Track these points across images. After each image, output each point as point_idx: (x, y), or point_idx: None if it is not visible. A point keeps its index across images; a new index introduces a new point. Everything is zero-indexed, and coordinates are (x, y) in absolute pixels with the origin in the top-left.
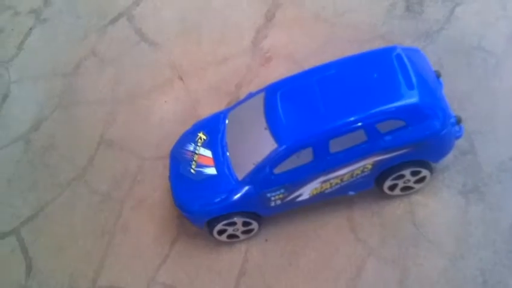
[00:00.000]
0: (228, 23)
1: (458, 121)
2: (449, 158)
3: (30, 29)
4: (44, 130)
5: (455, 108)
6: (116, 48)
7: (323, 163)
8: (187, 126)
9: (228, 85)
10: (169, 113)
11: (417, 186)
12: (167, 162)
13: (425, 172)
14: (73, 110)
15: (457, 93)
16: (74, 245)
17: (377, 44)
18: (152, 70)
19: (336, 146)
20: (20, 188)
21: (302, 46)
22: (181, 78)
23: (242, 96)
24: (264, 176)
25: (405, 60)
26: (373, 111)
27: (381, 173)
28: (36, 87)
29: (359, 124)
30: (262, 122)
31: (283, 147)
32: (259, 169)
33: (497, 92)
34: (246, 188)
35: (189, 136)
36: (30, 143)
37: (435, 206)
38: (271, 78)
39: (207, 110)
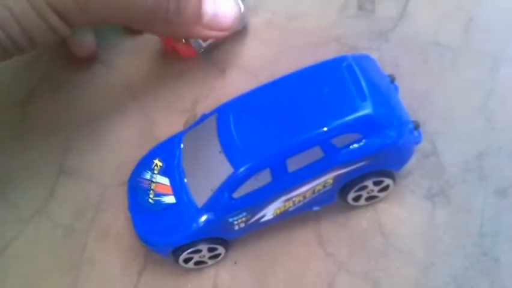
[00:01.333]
0: None
1: (416, 126)
2: (412, 162)
3: None
4: (1, 163)
5: (414, 109)
6: (68, 71)
7: (283, 183)
8: (145, 148)
9: (184, 102)
10: (126, 136)
11: (381, 194)
12: (127, 187)
13: (387, 181)
14: (29, 139)
15: (415, 93)
16: (42, 282)
17: (332, 48)
18: (106, 91)
19: (294, 164)
20: None
21: (256, 55)
22: (136, 98)
23: (199, 112)
24: (223, 202)
25: (356, 69)
26: (327, 127)
27: (344, 186)
28: None
29: (315, 141)
30: (216, 145)
31: (240, 171)
32: (217, 195)
33: (455, 88)
34: (207, 215)
35: (145, 163)
36: None
37: (401, 213)
38: (228, 91)
39: (164, 130)
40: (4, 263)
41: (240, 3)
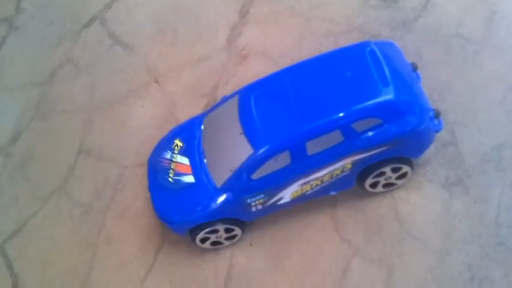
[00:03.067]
0: (202, 22)
1: (437, 115)
2: (430, 150)
3: (4, 37)
4: (22, 142)
5: (435, 99)
6: (90, 54)
7: (301, 166)
8: (165, 130)
9: (204, 86)
10: (147, 117)
11: (399, 182)
12: (146, 169)
13: (406, 168)
14: (51, 119)
15: (436, 84)
16: (60, 258)
17: (354, 36)
18: (127, 74)
19: (313, 147)
20: (2, 203)
21: (278, 42)
22: (157, 81)
23: (219, 97)
24: (242, 183)
25: (379, 55)
26: (348, 110)
27: (362, 172)
28: (12, 98)
29: (335, 125)
30: (237, 126)
31: (260, 152)
32: (236, 175)
33: (477, 80)
34: (225, 195)
35: (166, 143)
36: (9, 156)
37: (418, 201)
38: (248, 77)
39: (184, 113)
40: (23, 239)
41: None
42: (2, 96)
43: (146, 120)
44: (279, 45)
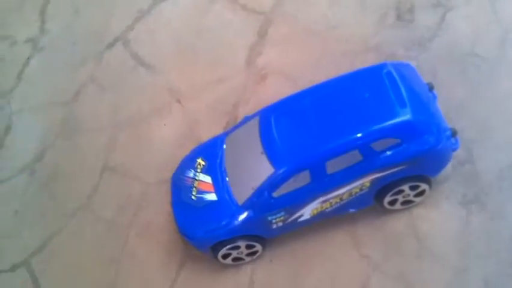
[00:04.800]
0: (222, 43)
1: (454, 134)
2: (448, 168)
3: (28, 58)
4: (47, 160)
5: (451, 117)
6: (113, 74)
7: (321, 184)
8: (187, 149)
9: (225, 105)
10: (169, 136)
11: (417, 199)
12: (169, 186)
13: (424, 186)
14: (75, 138)
15: (452, 103)
16: (84, 274)
17: (370, 56)
18: (150, 94)
19: (332, 166)
20: (28, 219)
21: (296, 62)
22: (179, 101)
23: (240, 115)
24: (263, 200)
25: (396, 77)
26: (366, 131)
27: (380, 190)
28: (37, 117)
29: (354, 144)
30: (258, 146)
31: (280, 171)
32: (258, 194)
33: (492, 99)
34: (247, 212)
35: (188, 162)
36: (35, 174)
37: (436, 219)
38: (268, 96)
39: (205, 132)
40: (48, 254)
41: None
42: (27, 115)
43: (169, 138)
44: (297, 65)
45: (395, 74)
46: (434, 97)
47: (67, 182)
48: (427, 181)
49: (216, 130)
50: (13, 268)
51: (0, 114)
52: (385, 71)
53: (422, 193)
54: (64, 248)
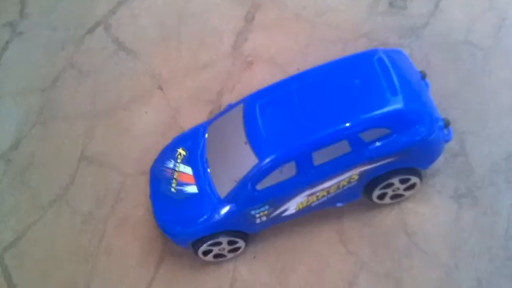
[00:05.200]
0: (207, 28)
1: (446, 124)
2: (439, 161)
3: (7, 42)
4: (23, 149)
5: (444, 107)
6: (94, 59)
7: (307, 176)
8: (169, 137)
9: (209, 93)
10: (150, 124)
11: (407, 193)
12: (148, 177)
13: (414, 179)
14: (52, 125)
15: (445, 92)
16: (59, 269)
17: (361, 43)
18: (131, 80)
19: (319, 158)
20: (2, 212)
21: (284, 48)
22: (161, 88)
23: (224, 104)
24: (246, 193)
25: (388, 64)
26: (355, 120)
27: (369, 183)
28: (14, 103)
29: (342, 134)
30: (242, 135)
31: (265, 162)
32: (241, 186)
33: (486, 88)
34: (229, 206)
35: (168, 152)
36: (10, 163)
37: (427, 213)
38: (254, 83)
39: (188, 120)
40: (22, 248)
41: None
42: (4, 101)
43: (150, 127)
44: (285, 51)
45: (386, 60)
46: (427, 86)
47: (43, 172)
48: (418, 174)
49: (200, 118)
50: None
51: None
52: (376, 57)
53: (412, 186)
54: (39, 243)
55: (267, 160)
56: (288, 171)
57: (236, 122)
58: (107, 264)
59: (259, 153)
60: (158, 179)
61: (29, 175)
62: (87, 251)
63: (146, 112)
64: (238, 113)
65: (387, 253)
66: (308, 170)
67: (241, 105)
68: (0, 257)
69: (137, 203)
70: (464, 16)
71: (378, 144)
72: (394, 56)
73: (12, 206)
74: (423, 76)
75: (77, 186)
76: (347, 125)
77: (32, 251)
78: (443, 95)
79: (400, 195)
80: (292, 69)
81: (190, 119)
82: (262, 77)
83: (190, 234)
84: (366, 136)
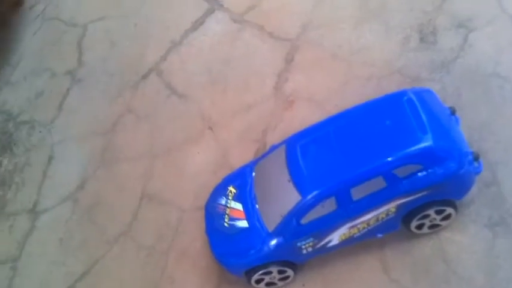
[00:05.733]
0: (251, 70)
1: (476, 157)
2: (473, 191)
3: (68, 89)
4: (89, 188)
5: (475, 139)
6: (149, 103)
7: (347, 210)
8: (220, 175)
9: (254, 132)
10: (202, 163)
11: (444, 223)
12: (203, 212)
13: (449, 210)
14: (115, 166)
15: (476, 124)
16: None
17: (395, 79)
18: (183, 122)
19: (358, 193)
20: (72, 247)
21: (322, 87)
22: (211, 128)
23: (269, 142)
24: (292, 227)
25: (417, 104)
26: (389, 158)
27: (406, 215)
28: (78, 147)
29: (377, 171)
30: (285, 174)
31: (307, 198)
32: (286, 221)
33: None
34: (277, 239)
35: (220, 190)
36: (77, 202)
37: (463, 242)
38: (295, 122)
39: (236, 158)
40: (92, 281)
41: None
42: (68, 145)
43: (203, 165)
44: (323, 90)
45: (415, 100)
46: (457, 120)
47: (108, 210)
48: (452, 205)
49: (247, 157)
50: None
51: (43, 145)
52: (406, 98)
53: (448, 217)
54: (107, 275)
55: (309, 197)
56: (329, 206)
57: (280, 161)
58: None
59: (302, 190)
60: (212, 215)
61: (95, 213)
62: (152, 282)
63: (198, 152)
64: (281, 154)
65: (427, 280)
66: (347, 205)
67: (283, 146)
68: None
69: (195, 236)
70: (492, 49)
71: (411, 179)
72: (423, 95)
73: (82, 242)
74: (452, 112)
75: (140, 222)
76: (382, 162)
77: (101, 282)
78: (474, 127)
79: (437, 225)
80: (331, 107)
81: (239, 157)
82: (302, 115)
83: (243, 265)
84: (400, 172)
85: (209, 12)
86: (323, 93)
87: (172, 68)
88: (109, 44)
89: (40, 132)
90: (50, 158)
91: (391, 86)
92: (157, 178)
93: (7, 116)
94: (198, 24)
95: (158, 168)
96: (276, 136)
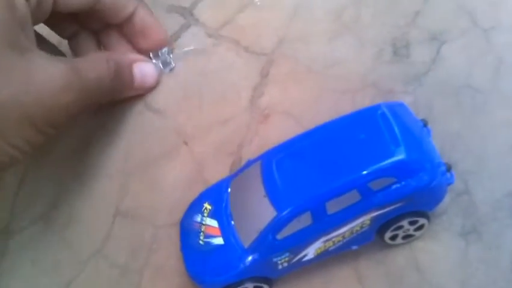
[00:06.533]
0: (226, 84)
1: (448, 168)
2: (446, 200)
3: None
4: (61, 207)
5: (447, 150)
6: (123, 119)
7: (322, 224)
8: (195, 190)
9: (230, 146)
10: (177, 179)
11: (417, 233)
12: (178, 229)
13: (422, 220)
14: (88, 184)
15: (448, 135)
16: None
17: (369, 92)
18: (159, 137)
19: (332, 207)
20: (44, 267)
21: (298, 100)
22: (186, 143)
23: (244, 156)
24: (267, 243)
25: (390, 117)
26: (363, 171)
27: (381, 227)
28: (51, 164)
29: (352, 185)
30: (261, 189)
31: (283, 214)
32: (262, 236)
33: (486, 129)
34: (253, 255)
35: (196, 206)
36: (49, 222)
37: (436, 250)
38: (271, 135)
39: (212, 173)
40: None
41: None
42: (41, 163)
43: (177, 181)
44: (298, 103)
45: (388, 114)
46: (429, 132)
47: (81, 229)
48: (425, 216)
49: (222, 170)
50: None
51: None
52: (379, 112)
53: (421, 227)
54: None
55: (285, 212)
56: (304, 220)
57: (255, 177)
58: None
59: (277, 205)
60: (188, 232)
61: (68, 231)
62: None
63: (174, 167)
64: (256, 169)
65: None
66: (323, 219)
67: (259, 162)
68: None
69: (169, 253)
70: (464, 60)
71: (385, 191)
72: (396, 108)
73: (54, 262)
74: (425, 124)
75: (113, 240)
76: (356, 176)
77: None
78: (446, 138)
79: (411, 236)
80: (306, 120)
81: (214, 172)
82: (278, 128)
83: (218, 283)
84: (374, 185)
85: (185, 27)
86: (298, 107)
87: None
88: None
89: None
90: (23, 176)
91: (365, 99)
92: (131, 195)
93: None
94: (173, 39)
95: (134, 184)
96: (252, 149)
